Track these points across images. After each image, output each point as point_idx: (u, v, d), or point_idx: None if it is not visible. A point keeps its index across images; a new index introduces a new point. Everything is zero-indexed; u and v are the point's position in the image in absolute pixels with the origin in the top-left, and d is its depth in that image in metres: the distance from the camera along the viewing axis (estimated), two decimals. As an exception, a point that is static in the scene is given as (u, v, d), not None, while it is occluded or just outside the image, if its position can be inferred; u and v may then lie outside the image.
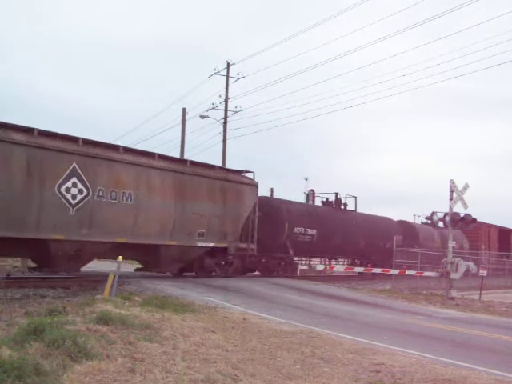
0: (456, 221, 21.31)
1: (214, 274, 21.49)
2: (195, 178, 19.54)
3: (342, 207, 30.54)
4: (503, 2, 65.18)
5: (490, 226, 41.49)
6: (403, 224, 35.69)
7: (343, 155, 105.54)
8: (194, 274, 21.37)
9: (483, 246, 39.73)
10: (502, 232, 43.10)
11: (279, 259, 25.20)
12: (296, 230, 25.64)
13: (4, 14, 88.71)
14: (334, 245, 28.28)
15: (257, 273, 25.20)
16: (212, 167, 20.84)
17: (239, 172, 22.25)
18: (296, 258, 27.75)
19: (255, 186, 22.45)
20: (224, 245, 20.73)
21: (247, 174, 22.46)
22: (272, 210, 24.52)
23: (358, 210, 32.04)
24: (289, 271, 25.82)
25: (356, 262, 31.52)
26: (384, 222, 33.67)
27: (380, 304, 17.35)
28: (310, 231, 26.43)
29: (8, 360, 5.63)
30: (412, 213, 42.73)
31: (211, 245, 20.07)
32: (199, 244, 19.62)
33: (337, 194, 30.28)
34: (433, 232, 36.52)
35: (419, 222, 38.11)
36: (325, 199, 30.65)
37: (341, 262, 31.79)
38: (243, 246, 21.75)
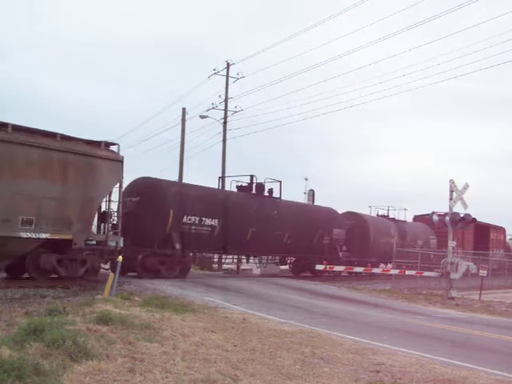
0: (456, 221, 21.32)
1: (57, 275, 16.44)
2: (18, 147, 14.71)
3: (267, 194, 25.43)
4: (503, 2, 65.21)
5: None
6: (350, 216, 31.59)
7: (343, 155, 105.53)
8: (135, 274, 19.20)
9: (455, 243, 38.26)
10: (479, 228, 38.04)
11: (162, 256, 20.20)
12: (187, 219, 20.80)
13: (4, 14, 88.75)
14: (245, 239, 22.99)
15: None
16: (49, 135, 15.56)
17: (94, 143, 16.84)
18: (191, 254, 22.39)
19: (119, 161, 17.22)
20: (66, 236, 15.70)
21: (112, 148, 17.41)
22: (153, 194, 20.17)
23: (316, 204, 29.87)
24: (177, 271, 20.60)
25: (276, 259, 27.48)
26: (322, 213, 28.77)
27: (380, 304, 17.35)
28: (208, 221, 21.41)
29: (8, 360, 5.63)
30: (411, 213, 41.68)
31: (44, 236, 15.16)
32: (24, 234, 14.75)
33: (252, 176, 24.73)
34: (389, 225, 33.45)
35: (374, 215, 35.12)
36: (246, 184, 25.25)
37: (252, 261, 27.38)
38: (100, 238, 17.01)
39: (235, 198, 24.11)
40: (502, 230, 44.57)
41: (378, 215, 35.48)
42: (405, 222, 36.38)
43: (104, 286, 12.70)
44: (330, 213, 29.50)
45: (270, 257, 26.84)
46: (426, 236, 36.48)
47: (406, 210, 37.14)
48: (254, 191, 24.70)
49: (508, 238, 48.85)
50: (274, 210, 24.83)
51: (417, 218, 39.13)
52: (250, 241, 23.20)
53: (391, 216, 36.28)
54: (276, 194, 25.82)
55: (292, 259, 29.01)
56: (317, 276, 26.87)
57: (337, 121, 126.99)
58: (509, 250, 44.17)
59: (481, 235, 39.55)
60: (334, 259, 27.45)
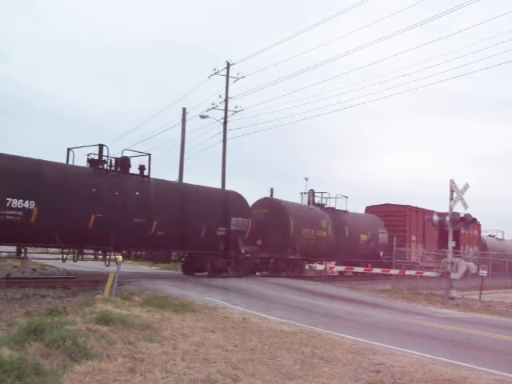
0: (456, 221, 21.32)
1: None
2: None
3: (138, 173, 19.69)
4: (503, 2, 65.21)
5: (424, 212, 33.00)
6: (266, 203, 25.84)
7: (343, 155, 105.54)
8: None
9: (414, 238, 32.67)
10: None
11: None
12: None
13: (4, 14, 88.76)
14: (85, 227, 16.89)
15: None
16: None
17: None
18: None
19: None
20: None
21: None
22: None
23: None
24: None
25: (123, 253, 18.80)
26: (214, 199, 22.55)
27: (380, 304, 17.35)
28: (18, 204, 15.35)
29: (8, 360, 5.63)
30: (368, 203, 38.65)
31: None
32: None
33: (102, 146, 18.84)
34: (319, 216, 27.34)
35: (305, 203, 28.73)
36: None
37: (91, 257, 19.52)
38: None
39: (75, 173, 17.85)
40: (476, 224, 38.65)
41: (313, 204, 28.71)
42: (345, 212, 29.80)
43: (104, 286, 12.69)
44: (229, 198, 23.21)
45: (138, 252, 20.56)
46: (374, 229, 31.04)
47: (347, 197, 30.38)
48: (109, 166, 18.86)
49: (485, 233, 45.08)
50: (134, 191, 18.96)
51: (369, 209, 33.98)
52: (93, 229, 17.09)
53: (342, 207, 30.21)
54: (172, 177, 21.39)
55: (173, 255, 21.98)
56: (212, 277, 21.08)
57: (337, 121, 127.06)
58: (484, 248, 39.95)
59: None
60: (232, 256, 22.19)
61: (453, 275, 20.91)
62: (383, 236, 31.67)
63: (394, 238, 26.93)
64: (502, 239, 46.88)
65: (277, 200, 26.05)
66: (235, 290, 17.39)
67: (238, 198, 23.48)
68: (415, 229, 33.01)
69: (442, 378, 7.34)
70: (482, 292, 21.12)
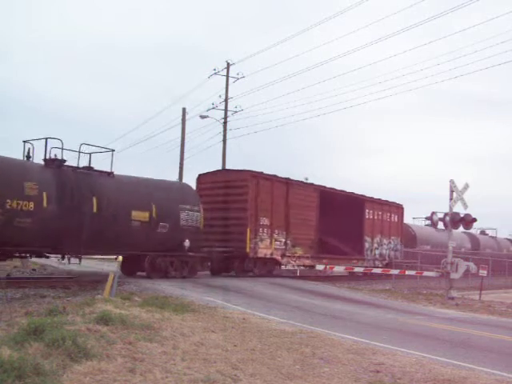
0: (456, 221, 21.34)
1: None
2: None
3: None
4: (503, 2, 65.20)
5: (290, 183, 23.87)
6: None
7: (343, 155, 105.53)
8: None
9: (265, 222, 22.25)
10: (336, 199, 26.52)
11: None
12: None
13: (4, 14, 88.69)
14: None
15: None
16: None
17: None
18: None
19: None
20: None
21: None
22: None
23: None
24: None
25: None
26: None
27: (380, 304, 17.35)
28: None
29: (8, 360, 5.63)
30: (412, 215, 38.78)
31: None
32: None
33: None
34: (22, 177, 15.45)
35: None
36: None
37: None
38: None
39: None
40: (395, 207, 31.09)
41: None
42: (105, 174, 17.83)
43: (104, 286, 12.69)
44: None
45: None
46: (169, 205, 19.01)
47: (113, 151, 18.73)
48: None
49: (417, 219, 39.49)
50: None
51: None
52: None
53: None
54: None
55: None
56: (151, 278, 18.19)
57: (337, 121, 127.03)
58: (413, 240, 34.34)
59: (344, 212, 27.18)
60: (176, 255, 19.19)
61: (453, 275, 20.93)
62: (192, 216, 19.70)
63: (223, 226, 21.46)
64: (495, 237, 45.12)
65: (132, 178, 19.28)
66: (235, 289, 17.39)
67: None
68: (269, 207, 22.53)
69: (442, 378, 7.34)
70: (483, 292, 21.14)
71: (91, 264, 24.47)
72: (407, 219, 38.30)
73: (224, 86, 34.42)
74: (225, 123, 34.21)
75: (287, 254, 23.53)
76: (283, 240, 23.29)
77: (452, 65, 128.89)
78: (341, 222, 27.53)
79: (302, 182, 25.15)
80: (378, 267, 28.00)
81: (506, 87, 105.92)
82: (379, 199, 30.04)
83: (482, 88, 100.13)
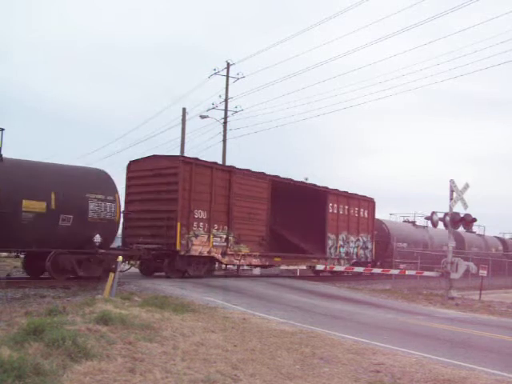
0: (456, 221, 21.33)
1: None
2: None
3: None
4: (503, 2, 65.22)
5: (229, 170, 21.29)
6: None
7: (343, 155, 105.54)
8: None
9: (201, 215, 19.56)
10: (293, 190, 24.47)
11: None
12: None
13: (3, 14, 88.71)
14: None
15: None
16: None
17: None
18: None
19: None
20: None
21: None
22: None
23: None
24: None
25: None
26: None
27: (380, 304, 17.35)
28: None
29: (8, 360, 5.63)
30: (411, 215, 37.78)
31: None
32: None
33: None
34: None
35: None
36: None
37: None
38: None
39: None
40: (366, 201, 28.50)
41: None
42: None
43: (104, 286, 12.69)
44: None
45: None
46: (74, 194, 15.95)
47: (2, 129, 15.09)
48: None
49: (386, 216, 37.30)
50: None
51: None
52: None
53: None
54: None
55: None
56: (53, 279, 15.50)
57: (337, 121, 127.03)
58: (387, 237, 31.39)
59: (304, 206, 25.37)
60: (86, 252, 16.11)
61: (453, 275, 20.93)
62: (105, 208, 16.74)
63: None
64: (482, 235, 41.91)
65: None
66: (235, 290, 17.39)
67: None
68: (207, 199, 19.88)
69: (442, 378, 7.34)
70: (483, 292, 21.13)
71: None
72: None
73: (224, 86, 34.43)
74: (225, 123, 34.21)
75: (229, 252, 20.69)
76: (224, 236, 20.53)
77: (452, 65, 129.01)
78: (301, 218, 25.90)
79: (248, 170, 22.15)
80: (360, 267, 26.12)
81: (506, 87, 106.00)
82: (346, 192, 27.23)
83: (481, 88, 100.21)
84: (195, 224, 19.44)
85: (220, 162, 33.61)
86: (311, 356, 8.21)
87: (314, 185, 25.90)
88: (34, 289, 14.31)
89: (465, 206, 20.92)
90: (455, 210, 21.25)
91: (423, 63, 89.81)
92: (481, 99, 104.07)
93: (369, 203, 28.91)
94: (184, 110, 35.08)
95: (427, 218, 22.43)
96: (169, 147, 73.33)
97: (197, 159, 20.09)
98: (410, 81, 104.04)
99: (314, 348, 8.80)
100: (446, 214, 21.39)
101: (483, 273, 21.95)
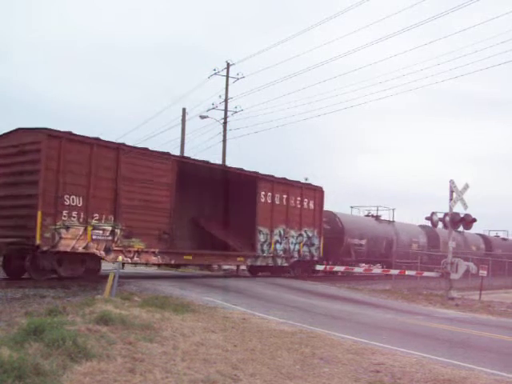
0: (456, 221, 21.35)
1: None
2: None
3: None
4: (503, 2, 65.23)
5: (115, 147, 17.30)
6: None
7: (343, 155, 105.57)
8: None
9: (73, 202, 15.86)
10: (200, 171, 21.04)
11: None
12: None
13: (3, 14, 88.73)
14: None
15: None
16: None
17: None
18: None
19: None
20: None
21: None
22: None
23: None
24: None
25: None
26: None
27: (380, 304, 17.35)
28: None
29: (8, 360, 5.64)
30: (410, 214, 36.53)
31: None
32: None
33: None
34: None
35: None
36: None
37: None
38: None
39: None
40: (311, 190, 24.43)
41: None
42: None
43: (104, 286, 12.69)
44: None
45: None
46: None
47: None
48: None
49: (356, 208, 34.08)
50: None
51: None
52: None
53: None
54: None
55: None
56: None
57: (337, 121, 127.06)
58: (341, 232, 28.19)
59: (231, 195, 22.49)
60: None
61: (452, 275, 20.94)
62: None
63: None
64: (462, 232, 36.78)
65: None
66: (235, 290, 17.40)
67: None
68: (84, 182, 16.41)
69: (442, 378, 7.35)
70: (483, 292, 21.14)
71: None
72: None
73: (224, 86, 34.45)
74: (225, 123, 34.22)
75: (116, 248, 16.94)
76: (108, 228, 16.80)
77: (452, 65, 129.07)
78: (231, 209, 22.60)
79: (146, 149, 18.61)
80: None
81: (506, 87, 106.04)
82: (284, 179, 23.37)
83: (482, 88, 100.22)
84: (66, 213, 15.70)
85: (220, 162, 33.69)
86: (311, 356, 8.22)
87: (241, 169, 21.96)
88: (33, 289, 14.30)
89: (465, 206, 20.94)
90: (455, 210, 21.27)
91: (424, 63, 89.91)
92: (481, 99, 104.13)
93: (315, 192, 24.71)
94: (184, 110, 35.16)
95: (427, 219, 22.38)
96: (169, 147, 73.16)
97: (70, 133, 16.07)
98: (411, 81, 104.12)
99: (314, 348, 8.80)
100: (445, 215, 21.41)
101: (483, 273, 21.95)
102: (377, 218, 33.51)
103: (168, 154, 19.11)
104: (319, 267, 25.56)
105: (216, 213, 23.28)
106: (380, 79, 74.74)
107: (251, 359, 7.64)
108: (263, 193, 22.25)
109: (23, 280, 15.98)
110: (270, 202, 22.50)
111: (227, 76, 34.32)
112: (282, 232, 23.11)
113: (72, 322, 8.36)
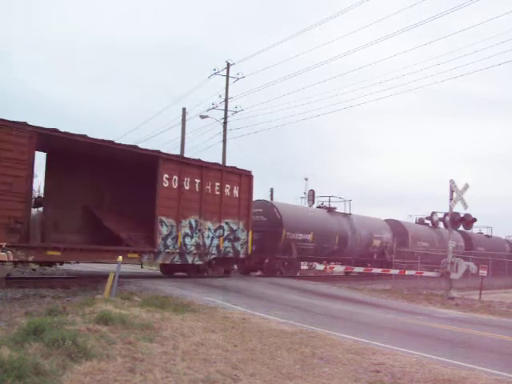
0: (456, 221, 21.35)
1: None
2: None
3: None
4: (503, 2, 65.22)
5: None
6: None
7: (343, 155, 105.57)
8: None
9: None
10: (82, 148, 16.98)
11: None
12: None
13: (3, 14, 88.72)
14: None
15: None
16: None
17: None
18: None
19: None
20: None
21: None
22: None
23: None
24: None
25: None
26: None
27: (380, 304, 17.34)
28: None
29: (8, 360, 5.63)
30: (408, 213, 35.56)
31: None
32: None
33: None
34: None
35: None
36: None
37: None
38: None
39: None
40: (235, 175, 21.05)
41: None
42: None
43: (104, 286, 12.69)
44: None
45: None
46: None
47: None
48: None
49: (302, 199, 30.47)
50: None
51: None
52: None
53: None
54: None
55: None
56: None
57: (337, 121, 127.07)
58: (280, 225, 24.18)
59: (124, 178, 19.33)
60: None
61: (453, 275, 20.93)
62: None
63: None
64: (438, 228, 32.85)
65: None
66: (235, 290, 17.40)
67: None
68: None
69: (442, 378, 7.34)
70: (483, 292, 21.13)
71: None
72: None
73: (224, 86, 34.45)
74: (225, 123, 34.21)
75: None
76: None
77: (452, 65, 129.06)
78: (129, 195, 19.30)
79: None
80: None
81: (506, 87, 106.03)
82: (198, 160, 19.93)
83: (481, 88, 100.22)
84: None
85: (220, 162, 33.69)
86: (311, 356, 8.21)
87: (135, 146, 18.13)
88: (33, 289, 14.31)
89: (465, 206, 20.94)
90: (455, 210, 21.28)
91: (423, 63, 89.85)
92: (481, 99, 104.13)
93: (241, 178, 21.13)
94: (184, 110, 35.14)
95: (428, 219, 22.38)
96: (169, 147, 73.48)
97: None
98: (411, 81, 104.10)
99: (314, 348, 8.79)
100: (445, 214, 21.43)
101: (483, 273, 21.96)
102: (329, 209, 29.46)
103: (24, 123, 14.92)
104: (319, 267, 25.48)
105: (117, 201, 19.47)
106: (379, 79, 74.81)
107: (251, 359, 7.63)
108: (167, 176, 18.49)
109: (23, 280, 15.99)
110: (175, 187, 18.76)
111: (227, 76, 34.33)
112: (193, 224, 19.46)
113: (72, 321, 8.36)
